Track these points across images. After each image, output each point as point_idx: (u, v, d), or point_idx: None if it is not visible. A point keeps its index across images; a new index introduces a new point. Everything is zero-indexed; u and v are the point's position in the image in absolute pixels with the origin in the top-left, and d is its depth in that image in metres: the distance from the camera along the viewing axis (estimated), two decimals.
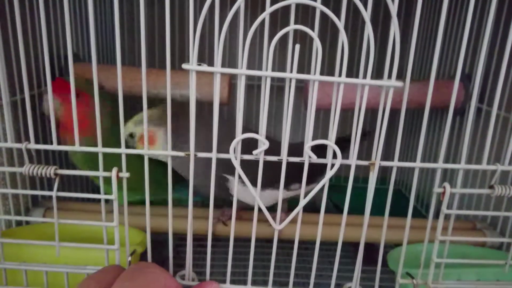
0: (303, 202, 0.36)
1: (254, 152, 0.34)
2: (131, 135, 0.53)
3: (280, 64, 0.43)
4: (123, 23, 0.86)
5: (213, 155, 0.36)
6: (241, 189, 0.38)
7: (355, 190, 0.37)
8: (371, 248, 0.51)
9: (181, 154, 0.37)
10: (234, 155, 0.34)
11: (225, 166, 0.40)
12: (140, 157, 0.36)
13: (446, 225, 0.39)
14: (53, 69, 0.63)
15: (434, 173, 0.38)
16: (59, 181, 0.37)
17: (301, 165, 0.35)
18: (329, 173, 0.35)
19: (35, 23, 0.56)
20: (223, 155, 0.36)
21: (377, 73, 0.33)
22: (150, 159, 0.37)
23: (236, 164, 0.34)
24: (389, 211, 0.48)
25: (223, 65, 0.32)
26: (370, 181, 0.37)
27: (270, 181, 0.43)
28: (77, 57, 0.70)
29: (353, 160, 0.36)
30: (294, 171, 0.37)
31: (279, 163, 0.35)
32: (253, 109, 0.87)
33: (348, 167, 0.36)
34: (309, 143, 0.34)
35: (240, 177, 0.35)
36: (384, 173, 0.99)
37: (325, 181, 0.35)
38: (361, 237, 0.39)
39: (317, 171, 0.46)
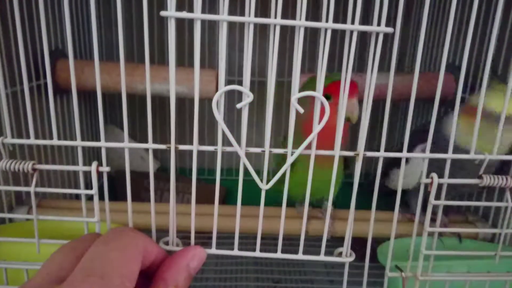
0: (291, 159, 0.34)
1: (238, 105, 0.33)
2: None
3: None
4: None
5: (194, 147, 0.35)
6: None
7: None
8: (365, 244, 0.50)
9: (163, 146, 0.36)
10: (217, 109, 0.33)
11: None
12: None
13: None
14: (37, 65, 0.62)
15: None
16: (37, 177, 0.36)
17: None
18: (317, 128, 0.33)
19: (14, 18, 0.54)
20: (205, 148, 0.36)
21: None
22: None
23: (220, 119, 0.33)
24: (383, 206, 0.48)
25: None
26: (355, 172, 0.36)
27: None
28: (62, 53, 0.68)
29: (336, 151, 0.35)
30: None
31: None
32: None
33: None
34: (296, 95, 0.33)
35: None
36: (368, 166, 0.99)
37: (313, 135, 0.34)
38: (348, 226, 0.38)
39: None
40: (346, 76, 0.33)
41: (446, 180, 0.37)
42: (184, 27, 0.81)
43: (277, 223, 0.37)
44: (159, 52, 0.82)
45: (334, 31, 0.32)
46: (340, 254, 0.39)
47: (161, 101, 0.86)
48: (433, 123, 0.35)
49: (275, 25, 0.31)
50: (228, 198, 0.88)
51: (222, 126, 0.34)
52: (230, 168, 0.90)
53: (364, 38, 0.34)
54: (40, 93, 0.64)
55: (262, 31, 0.74)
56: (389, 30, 0.32)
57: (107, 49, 0.87)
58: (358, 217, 0.43)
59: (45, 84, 0.64)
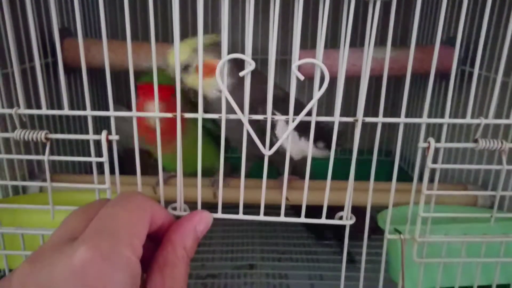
0: (291, 126, 0.36)
1: (241, 73, 0.34)
2: (186, 67, 0.48)
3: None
4: None
5: (199, 115, 0.36)
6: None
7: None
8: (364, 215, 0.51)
9: (169, 115, 0.37)
10: (221, 79, 0.34)
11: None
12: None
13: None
14: (44, 44, 0.64)
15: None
16: (50, 146, 0.38)
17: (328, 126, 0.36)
18: (317, 95, 0.35)
19: None
20: (209, 115, 0.37)
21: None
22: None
23: (223, 87, 0.34)
24: (383, 179, 0.49)
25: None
26: (355, 138, 0.37)
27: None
28: (68, 32, 0.70)
29: (336, 117, 0.36)
30: (323, 130, 0.37)
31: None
32: None
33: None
34: (296, 62, 0.34)
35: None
36: (390, 145, 1.00)
37: (314, 100, 0.35)
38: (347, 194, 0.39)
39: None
40: (345, 47, 0.34)
41: (443, 145, 0.38)
42: (187, 8, 0.82)
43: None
44: (162, 30, 0.83)
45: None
46: (341, 218, 0.41)
47: None
48: (430, 88, 0.37)
49: None
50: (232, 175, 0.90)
51: (225, 94, 0.35)
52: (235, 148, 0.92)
53: (365, 13, 0.35)
54: (48, 71, 0.66)
55: (264, 11, 0.74)
56: None
57: (112, 28, 0.88)
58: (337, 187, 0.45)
59: (53, 62, 0.65)
